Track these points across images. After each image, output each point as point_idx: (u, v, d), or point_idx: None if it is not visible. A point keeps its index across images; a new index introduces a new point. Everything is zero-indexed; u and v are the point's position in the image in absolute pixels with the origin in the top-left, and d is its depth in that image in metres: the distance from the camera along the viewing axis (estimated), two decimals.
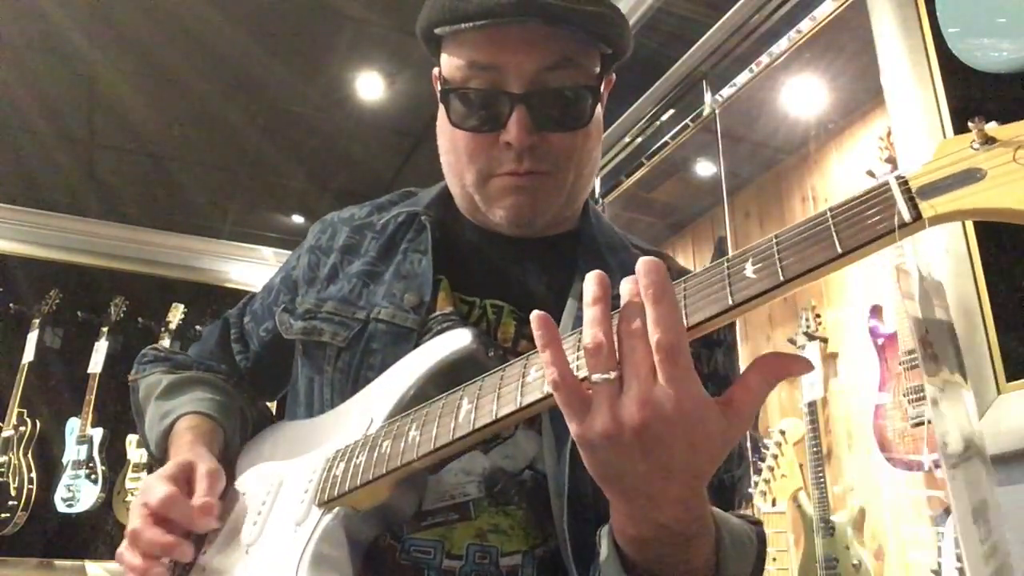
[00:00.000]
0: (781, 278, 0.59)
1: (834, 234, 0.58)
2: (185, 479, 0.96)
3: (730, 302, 0.62)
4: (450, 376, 0.87)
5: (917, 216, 0.54)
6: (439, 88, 1.01)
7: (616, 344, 0.64)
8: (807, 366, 0.64)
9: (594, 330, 0.64)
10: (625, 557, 0.74)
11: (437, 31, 0.97)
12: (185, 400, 1.12)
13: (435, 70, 1.05)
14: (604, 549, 0.76)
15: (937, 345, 0.53)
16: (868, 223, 0.56)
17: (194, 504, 0.92)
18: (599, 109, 1.02)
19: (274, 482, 0.98)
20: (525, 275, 1.05)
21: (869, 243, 0.55)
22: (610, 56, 1.01)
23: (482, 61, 0.94)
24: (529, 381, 0.74)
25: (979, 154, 0.53)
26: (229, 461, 1.09)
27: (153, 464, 1.16)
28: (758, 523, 0.94)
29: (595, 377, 0.64)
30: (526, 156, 0.95)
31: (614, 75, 1.07)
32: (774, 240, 0.62)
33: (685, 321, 0.64)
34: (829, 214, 0.59)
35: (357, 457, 0.86)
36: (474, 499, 0.92)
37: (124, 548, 0.92)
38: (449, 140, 1.02)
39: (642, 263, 0.64)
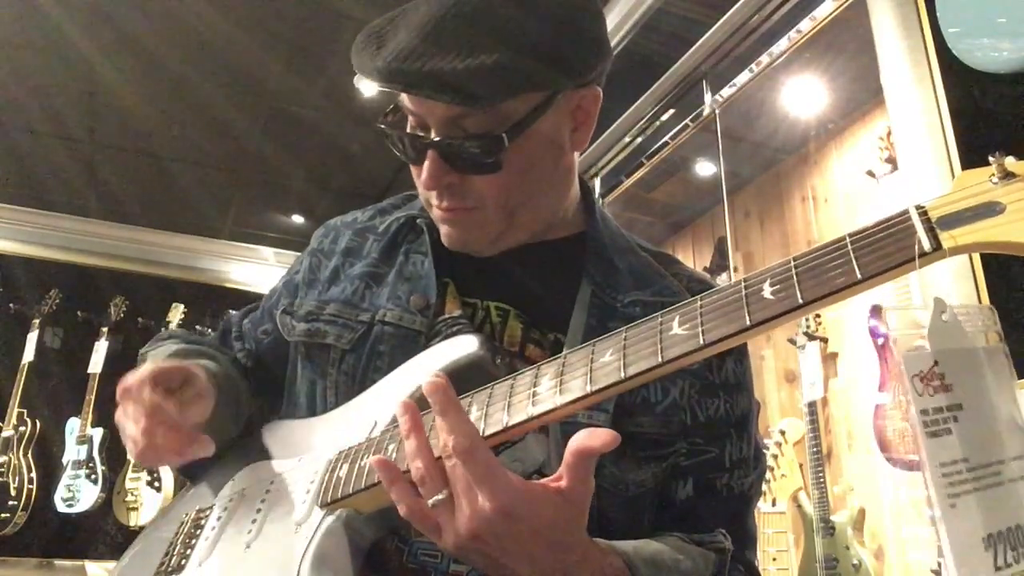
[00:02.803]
0: (800, 301, 0.60)
1: (854, 260, 0.58)
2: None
3: (747, 322, 0.63)
4: (457, 382, 0.87)
5: (937, 246, 0.55)
6: (384, 117, 1.01)
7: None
8: (611, 439, 0.70)
9: (415, 463, 0.74)
10: None
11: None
12: (190, 363, 1.07)
13: None
14: None
15: (951, 375, 0.54)
16: (888, 250, 0.57)
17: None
18: (535, 137, 0.95)
19: (273, 481, 0.98)
20: (530, 278, 1.04)
21: (889, 270, 0.56)
22: (558, 84, 0.94)
23: (408, 106, 0.96)
24: (540, 392, 0.74)
25: (998, 188, 0.54)
26: (215, 434, 1.03)
27: None
28: (723, 550, 0.94)
29: (430, 502, 0.73)
30: (445, 195, 0.97)
31: (599, 89, 1.01)
32: (792, 263, 0.63)
33: (702, 339, 0.65)
34: (848, 240, 0.60)
35: (361, 459, 0.86)
36: None
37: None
38: None
39: (425, 387, 0.74)
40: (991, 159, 0.53)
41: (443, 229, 1.01)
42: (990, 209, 0.53)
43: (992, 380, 0.52)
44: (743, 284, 0.65)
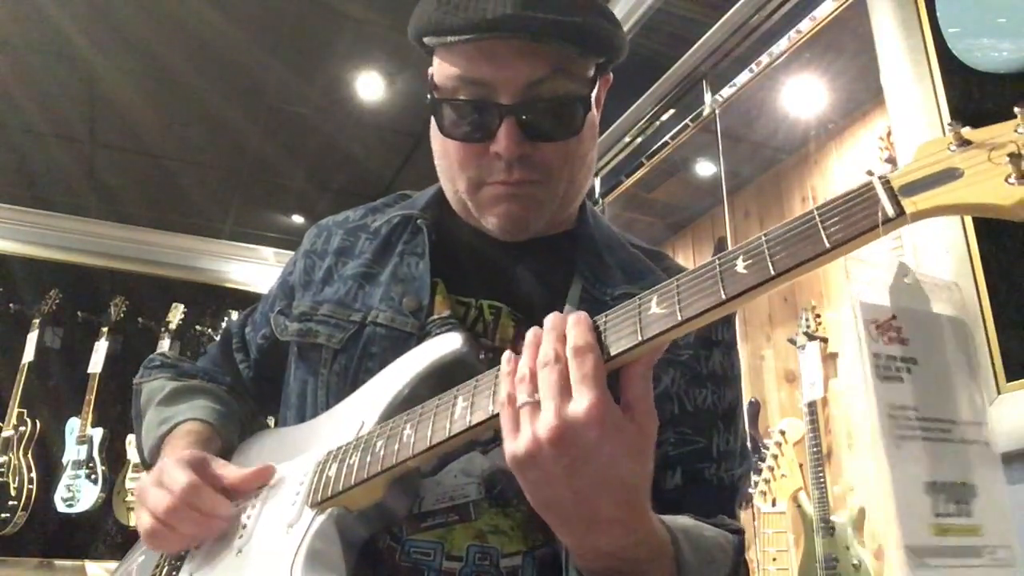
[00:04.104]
0: (771, 272, 0.61)
1: (821, 230, 0.60)
2: (201, 471, 0.95)
3: (723, 296, 0.64)
4: (442, 379, 0.88)
5: (900, 212, 0.56)
6: (430, 94, 1.00)
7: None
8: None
9: (522, 364, 0.71)
10: None
11: (425, 40, 0.96)
12: (185, 408, 1.12)
13: (429, 69, 1.04)
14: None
15: (908, 331, 0.56)
16: (853, 219, 0.59)
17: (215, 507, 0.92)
18: (593, 113, 1.01)
19: (263, 486, 0.97)
20: (523, 276, 1.05)
21: (855, 238, 0.58)
22: (605, 60, 1.01)
23: (472, 74, 0.94)
24: None
25: (956, 155, 0.57)
26: None
27: (144, 469, 1.15)
28: (739, 531, 0.94)
29: (520, 400, 0.69)
30: (516, 166, 0.95)
31: (611, 74, 1.07)
32: (763, 238, 0.64)
33: (679, 316, 0.66)
34: (816, 212, 0.61)
35: (350, 458, 0.86)
36: (474, 500, 0.92)
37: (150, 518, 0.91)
38: (441, 146, 1.02)
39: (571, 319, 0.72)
40: (947, 127, 0.57)
41: (500, 209, 0.99)
42: (949, 175, 0.55)
43: (953, 347, 0.53)
44: (717, 261, 0.66)
